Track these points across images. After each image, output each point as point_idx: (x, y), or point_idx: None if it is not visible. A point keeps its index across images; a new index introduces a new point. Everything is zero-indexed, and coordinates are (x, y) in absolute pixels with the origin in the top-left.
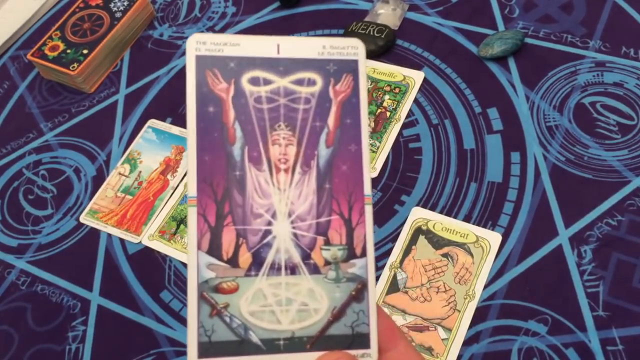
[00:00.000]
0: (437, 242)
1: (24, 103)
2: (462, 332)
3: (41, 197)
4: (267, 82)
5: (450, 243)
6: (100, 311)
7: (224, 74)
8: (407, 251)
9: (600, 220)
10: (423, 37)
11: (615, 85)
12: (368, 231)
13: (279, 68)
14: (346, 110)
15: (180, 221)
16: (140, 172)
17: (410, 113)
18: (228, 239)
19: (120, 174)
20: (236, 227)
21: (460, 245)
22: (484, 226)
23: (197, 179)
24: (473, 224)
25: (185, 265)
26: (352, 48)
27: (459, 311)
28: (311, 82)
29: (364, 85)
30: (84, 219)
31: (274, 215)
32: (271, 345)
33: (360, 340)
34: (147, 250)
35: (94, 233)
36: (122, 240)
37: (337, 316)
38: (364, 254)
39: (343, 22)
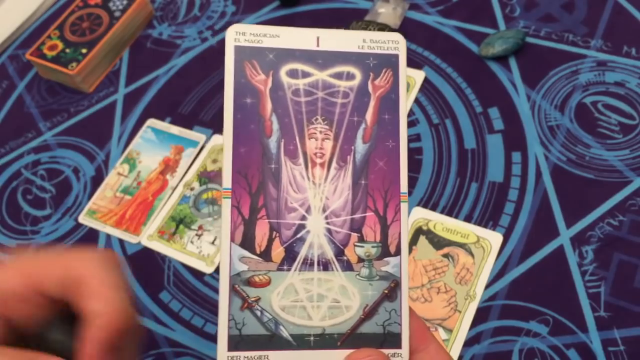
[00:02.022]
0: (438, 242)
1: (23, 103)
2: (463, 332)
3: (40, 197)
4: (305, 74)
5: (451, 243)
6: None
7: (263, 65)
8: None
9: (601, 221)
10: (424, 37)
11: (616, 85)
12: (403, 229)
13: (317, 61)
14: (385, 105)
15: (179, 221)
16: (139, 172)
17: (411, 113)
18: (261, 232)
19: (119, 173)
20: (270, 220)
21: (461, 246)
22: (485, 226)
23: (232, 171)
24: (474, 224)
25: (184, 266)
26: (393, 42)
27: (460, 312)
28: (350, 76)
29: (403, 81)
30: (83, 219)
31: (308, 210)
32: (301, 340)
33: (391, 339)
34: (146, 251)
35: (93, 233)
36: (121, 241)
37: (368, 314)
38: (398, 252)
39: (343, 22)
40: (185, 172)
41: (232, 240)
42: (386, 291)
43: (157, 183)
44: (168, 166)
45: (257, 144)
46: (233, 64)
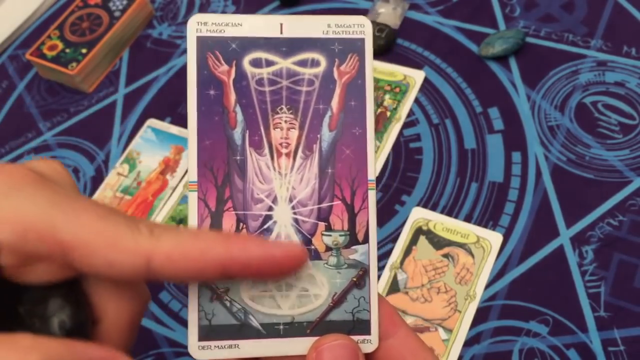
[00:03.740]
0: (438, 242)
1: (23, 103)
2: (462, 332)
3: None
4: (269, 63)
5: (451, 243)
6: None
7: (225, 55)
8: (407, 251)
9: (601, 221)
10: (423, 36)
11: (616, 85)
12: (371, 217)
13: (281, 48)
14: (351, 92)
15: (179, 221)
16: (139, 172)
17: (411, 113)
18: (228, 224)
19: (119, 174)
20: (236, 212)
21: (461, 246)
22: (485, 226)
23: (198, 164)
24: (474, 224)
25: None
26: (358, 26)
27: (460, 312)
28: (315, 63)
29: (370, 66)
30: None
31: (274, 201)
32: (271, 329)
33: (360, 326)
34: None
35: None
36: None
37: (337, 302)
38: (366, 240)
39: None
40: (185, 172)
41: None
42: (355, 279)
43: (157, 183)
44: (168, 166)
45: (221, 136)
46: (195, 56)
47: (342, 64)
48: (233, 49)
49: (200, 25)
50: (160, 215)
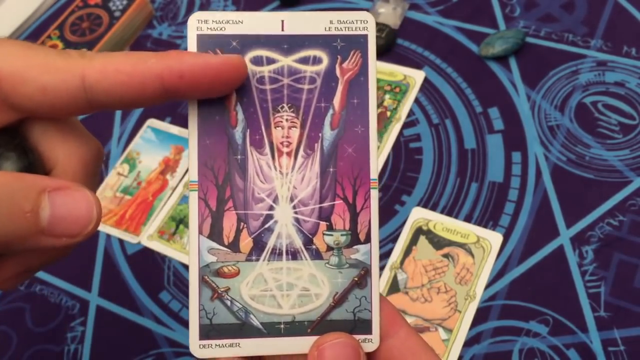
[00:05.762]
0: (438, 242)
1: None
2: (462, 332)
3: None
4: (270, 61)
5: (451, 243)
6: (99, 312)
7: (226, 53)
8: (407, 251)
9: (601, 221)
10: (423, 37)
11: (616, 85)
12: (373, 217)
13: (283, 46)
14: (353, 89)
15: (179, 221)
16: (139, 172)
17: (411, 113)
18: (229, 223)
19: (119, 174)
20: (237, 211)
21: (461, 246)
22: (485, 226)
23: (198, 163)
24: (474, 224)
25: (184, 266)
26: (361, 22)
27: (460, 312)
28: (317, 60)
29: (373, 62)
30: None
31: (275, 200)
32: (272, 328)
33: (362, 325)
34: (146, 251)
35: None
36: (121, 241)
37: (338, 301)
38: (368, 239)
39: None
40: (185, 172)
41: (200, 232)
42: (356, 279)
43: (157, 183)
44: (168, 166)
45: (222, 135)
46: None
47: (345, 61)
48: (234, 47)
49: (200, 24)
50: (160, 215)
